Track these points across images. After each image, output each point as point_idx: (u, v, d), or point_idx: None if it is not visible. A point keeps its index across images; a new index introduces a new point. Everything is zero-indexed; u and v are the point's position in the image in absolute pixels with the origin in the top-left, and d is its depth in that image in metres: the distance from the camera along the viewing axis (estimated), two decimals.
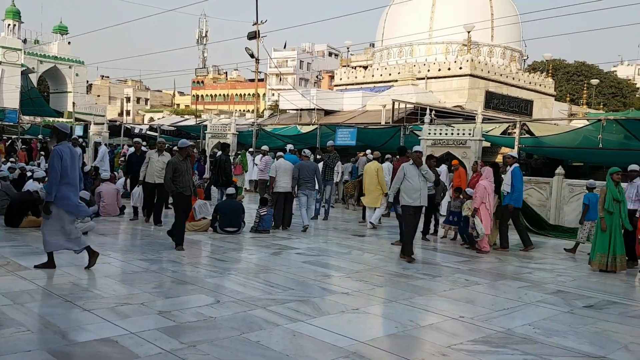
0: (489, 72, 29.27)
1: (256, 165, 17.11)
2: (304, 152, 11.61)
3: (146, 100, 78.19)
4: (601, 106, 39.89)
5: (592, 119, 14.70)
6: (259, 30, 18.89)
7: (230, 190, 10.52)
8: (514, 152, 11.46)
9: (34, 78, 48.24)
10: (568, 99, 35.33)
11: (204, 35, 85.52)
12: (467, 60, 28.50)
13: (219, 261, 7.53)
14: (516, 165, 9.75)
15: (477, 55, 30.17)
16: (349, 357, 4.09)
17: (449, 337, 4.74)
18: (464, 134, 15.82)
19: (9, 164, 14.58)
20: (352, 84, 33.81)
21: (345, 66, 36.82)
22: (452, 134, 16.08)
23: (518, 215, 10.00)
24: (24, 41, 50.74)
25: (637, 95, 50.13)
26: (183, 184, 8.21)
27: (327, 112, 29.31)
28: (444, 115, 22.09)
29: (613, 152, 13.88)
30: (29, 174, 12.32)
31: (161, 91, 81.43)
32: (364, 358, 4.09)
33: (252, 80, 58.58)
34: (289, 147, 14.37)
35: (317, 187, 11.85)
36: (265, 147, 15.59)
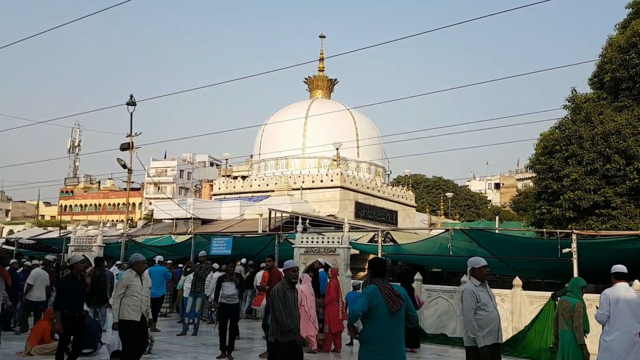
0: (357, 184, 31.65)
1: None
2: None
3: (7, 211, 72.10)
4: (457, 216, 44.38)
5: (444, 229, 16.42)
6: (132, 142, 18.96)
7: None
8: (322, 260, 12.48)
9: None
10: (428, 209, 38.90)
11: (76, 144, 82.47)
12: (337, 174, 30.72)
13: None
14: (321, 270, 10.94)
15: (346, 169, 32.69)
16: None
17: None
18: (333, 242, 16.70)
19: None
20: (231, 194, 34.31)
21: (224, 176, 37.45)
22: (322, 242, 16.89)
23: None
24: None
25: (488, 207, 56.65)
26: (291, 321, 5.96)
27: (205, 221, 29.17)
28: (318, 224, 23.12)
29: (462, 258, 15.43)
30: None
31: (25, 202, 75.61)
32: None
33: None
34: (158, 258, 14.00)
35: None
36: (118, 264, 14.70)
